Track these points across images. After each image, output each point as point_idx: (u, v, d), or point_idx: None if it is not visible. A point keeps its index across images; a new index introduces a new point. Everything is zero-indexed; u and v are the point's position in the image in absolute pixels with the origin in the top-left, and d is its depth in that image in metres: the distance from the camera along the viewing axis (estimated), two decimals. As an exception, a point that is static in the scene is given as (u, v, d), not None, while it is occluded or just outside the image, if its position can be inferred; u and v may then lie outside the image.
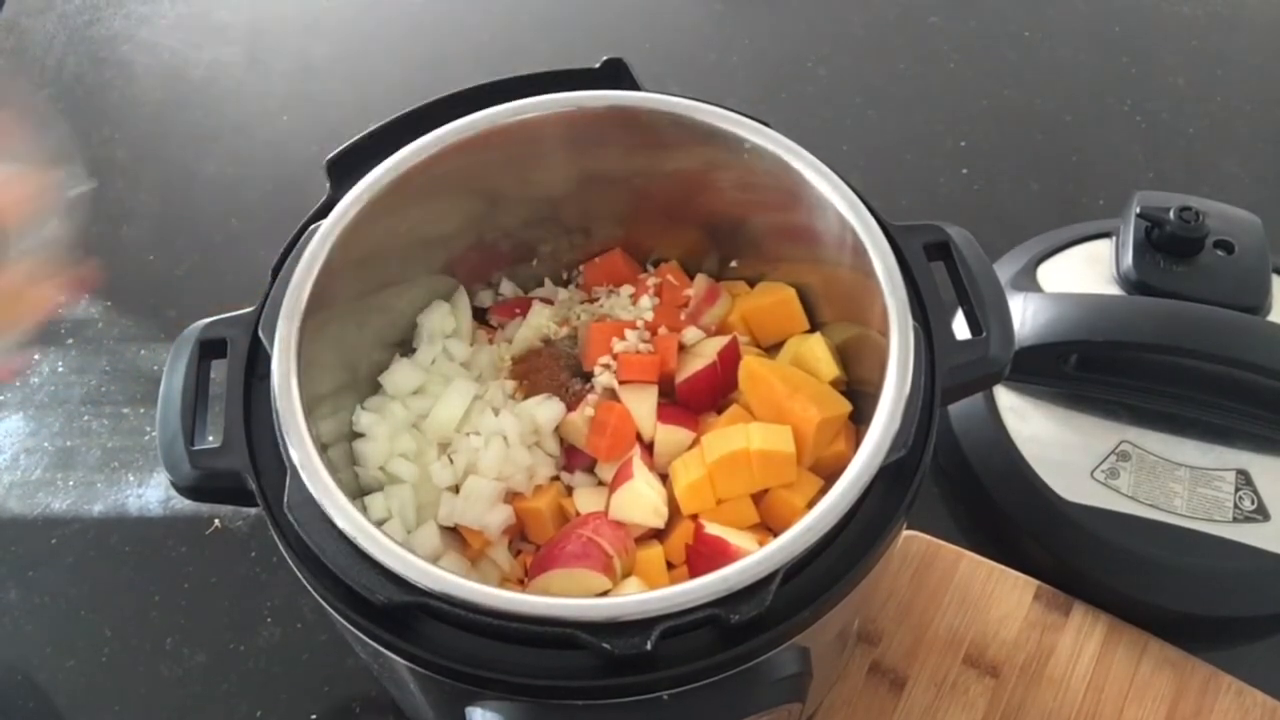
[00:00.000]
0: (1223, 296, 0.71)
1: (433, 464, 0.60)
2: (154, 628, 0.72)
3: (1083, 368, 0.73)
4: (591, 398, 0.62)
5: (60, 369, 0.85)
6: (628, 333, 0.64)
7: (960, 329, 0.56)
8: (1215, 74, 1.02)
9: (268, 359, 0.51)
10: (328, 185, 0.58)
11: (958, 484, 0.76)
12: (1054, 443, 0.72)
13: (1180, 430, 0.72)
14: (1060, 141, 0.97)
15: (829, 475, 0.58)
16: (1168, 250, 0.74)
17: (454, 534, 0.60)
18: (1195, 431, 0.71)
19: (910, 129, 0.98)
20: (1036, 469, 0.71)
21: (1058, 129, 0.98)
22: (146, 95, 1.04)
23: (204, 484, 0.51)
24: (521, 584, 0.59)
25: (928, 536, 0.72)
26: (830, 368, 0.61)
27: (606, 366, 0.63)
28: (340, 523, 0.46)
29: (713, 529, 0.56)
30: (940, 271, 0.57)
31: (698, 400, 0.63)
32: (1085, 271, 0.77)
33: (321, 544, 0.47)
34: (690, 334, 0.64)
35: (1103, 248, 0.79)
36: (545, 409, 0.62)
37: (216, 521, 0.77)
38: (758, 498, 0.58)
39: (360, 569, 0.46)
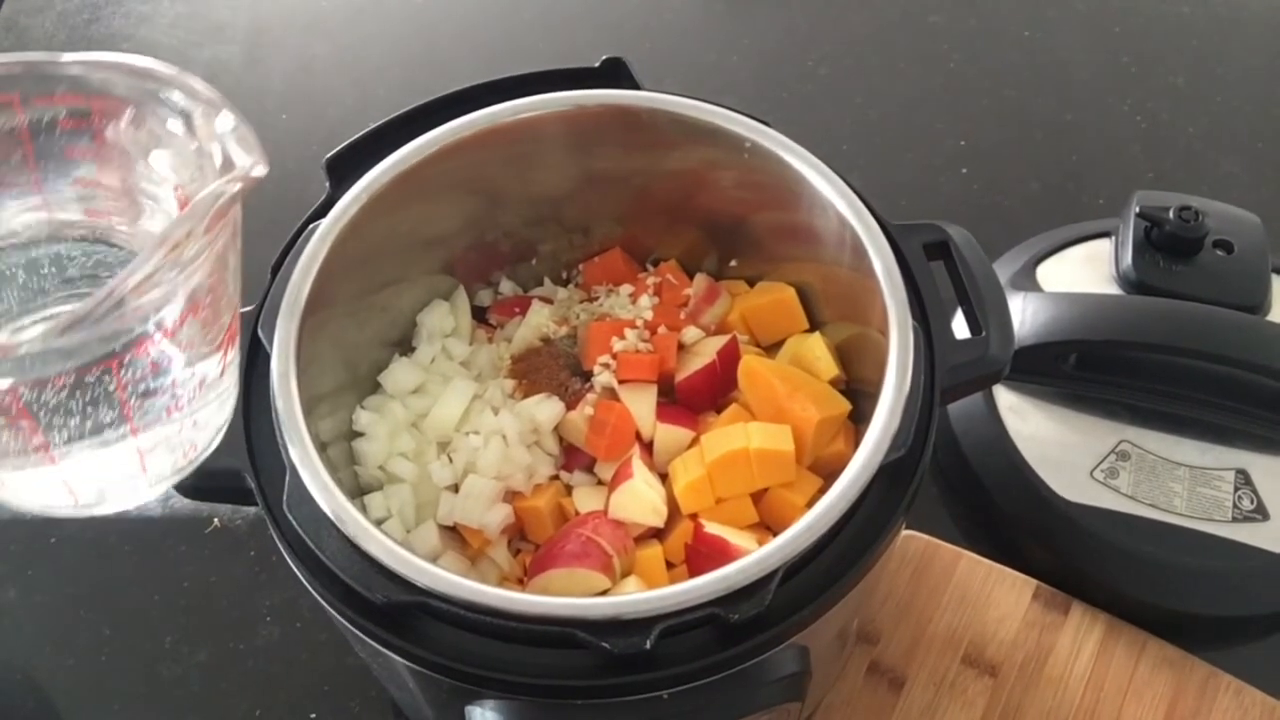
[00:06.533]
0: (1223, 296, 0.71)
1: (432, 463, 0.60)
2: (154, 627, 0.72)
3: (1082, 367, 0.73)
4: (591, 397, 0.62)
5: (60, 368, 0.85)
6: (627, 332, 0.64)
7: (960, 328, 0.56)
8: (1215, 74, 1.02)
9: (267, 358, 0.51)
10: (327, 184, 0.58)
11: (957, 484, 0.76)
12: (1054, 442, 0.72)
13: (1180, 430, 0.72)
14: (1060, 141, 0.97)
15: (828, 475, 0.58)
16: (1167, 250, 0.74)
17: (453, 533, 0.60)
18: (1195, 431, 0.71)
19: (910, 129, 0.98)
20: (1036, 469, 0.71)
21: (1058, 129, 0.98)
22: (146, 95, 1.04)
23: (203, 483, 0.51)
24: (521, 583, 0.58)
25: (927, 536, 0.72)
26: (829, 367, 0.61)
27: (606, 366, 0.63)
28: (339, 522, 0.46)
29: (712, 528, 0.56)
30: (940, 271, 0.57)
31: (697, 399, 0.63)
32: (1085, 271, 0.77)
33: (321, 543, 0.47)
34: (690, 333, 0.64)
35: (1102, 247, 0.78)
36: (545, 408, 0.61)
37: (216, 521, 0.76)
38: (757, 497, 0.58)
39: (360, 568, 0.46)
